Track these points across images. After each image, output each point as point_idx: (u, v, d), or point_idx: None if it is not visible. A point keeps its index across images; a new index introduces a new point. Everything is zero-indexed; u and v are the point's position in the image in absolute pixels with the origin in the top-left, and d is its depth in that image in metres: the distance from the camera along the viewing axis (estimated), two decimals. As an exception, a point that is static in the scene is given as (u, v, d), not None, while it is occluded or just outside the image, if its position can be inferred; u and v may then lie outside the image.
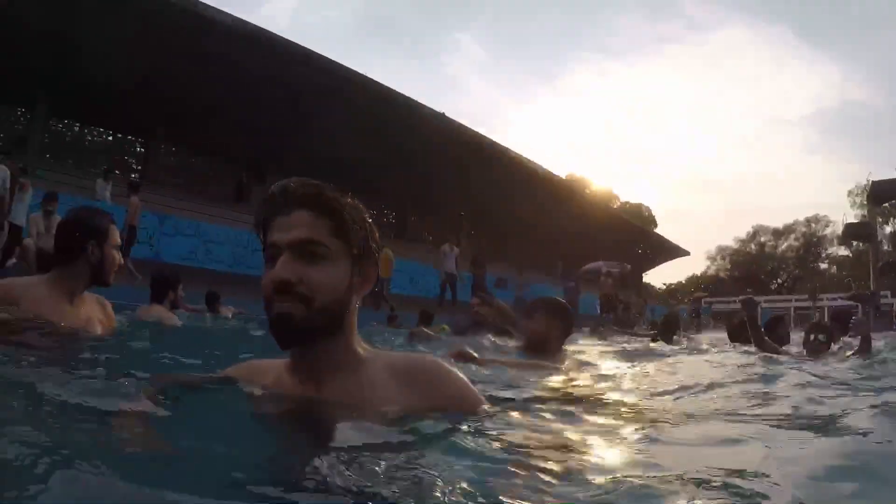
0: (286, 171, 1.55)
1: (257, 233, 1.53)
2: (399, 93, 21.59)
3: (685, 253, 43.18)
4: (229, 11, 17.17)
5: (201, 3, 16.70)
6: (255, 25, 17.84)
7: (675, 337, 9.09)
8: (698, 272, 68.56)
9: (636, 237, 38.62)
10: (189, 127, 20.13)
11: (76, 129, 21.56)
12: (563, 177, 39.84)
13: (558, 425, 1.74)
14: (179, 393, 1.62)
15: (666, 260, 43.46)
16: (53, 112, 19.45)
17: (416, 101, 22.17)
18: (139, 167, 22.30)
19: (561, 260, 26.73)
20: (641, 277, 41.35)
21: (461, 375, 1.62)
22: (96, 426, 1.31)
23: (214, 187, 22.67)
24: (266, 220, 1.49)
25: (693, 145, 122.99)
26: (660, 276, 67.88)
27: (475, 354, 3.15)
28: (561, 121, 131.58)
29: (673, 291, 61.72)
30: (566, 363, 3.76)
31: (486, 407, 1.63)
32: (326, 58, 19.17)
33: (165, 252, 15.27)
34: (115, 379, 1.60)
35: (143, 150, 22.23)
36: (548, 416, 1.86)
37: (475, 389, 1.65)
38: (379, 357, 1.58)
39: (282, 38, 18.41)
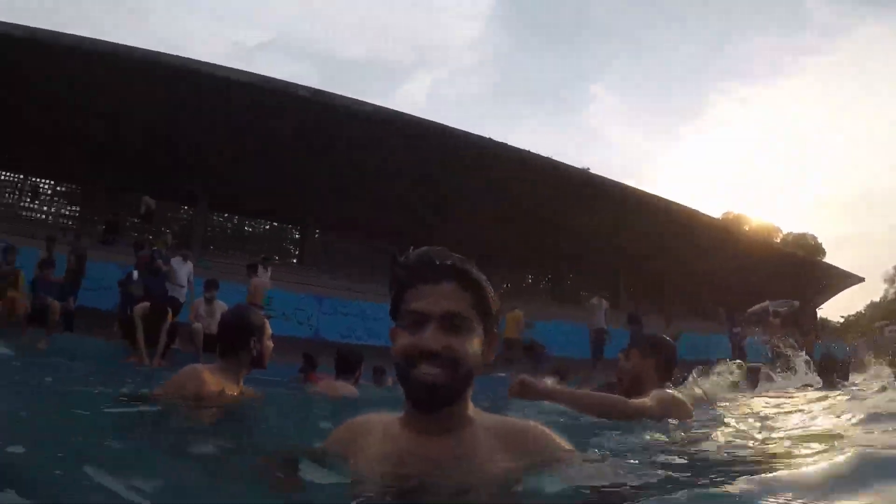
0: (437, 243, 1.64)
1: (390, 292, 1.61)
2: (540, 155, 21.77)
3: (859, 279, 39.61)
4: (368, 99, 18.23)
5: (341, 96, 17.89)
6: (391, 110, 18.89)
7: (835, 378, 8.29)
8: (877, 298, 62.53)
9: (803, 270, 36.23)
10: (338, 212, 21.08)
11: (235, 220, 23.44)
12: (719, 217, 38.05)
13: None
14: (300, 458, 1.72)
15: (839, 290, 40.27)
16: (213, 207, 21.22)
17: (559, 161, 22.28)
18: (297, 252, 23.64)
19: (722, 306, 25.50)
20: (815, 314, 38.48)
21: (559, 440, 1.64)
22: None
23: (366, 266, 23.51)
24: (408, 286, 1.57)
25: (851, 159, 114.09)
26: (836, 310, 62.69)
27: (542, 383, 3.07)
28: (709, 157, 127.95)
29: (852, 324, 56.68)
30: (655, 401, 3.40)
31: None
32: (461, 130, 19.75)
33: (324, 330, 15.95)
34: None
35: (298, 236, 23.53)
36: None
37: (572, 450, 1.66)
38: (483, 418, 1.63)
39: (418, 117, 19.28)
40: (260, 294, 13.56)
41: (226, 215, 22.87)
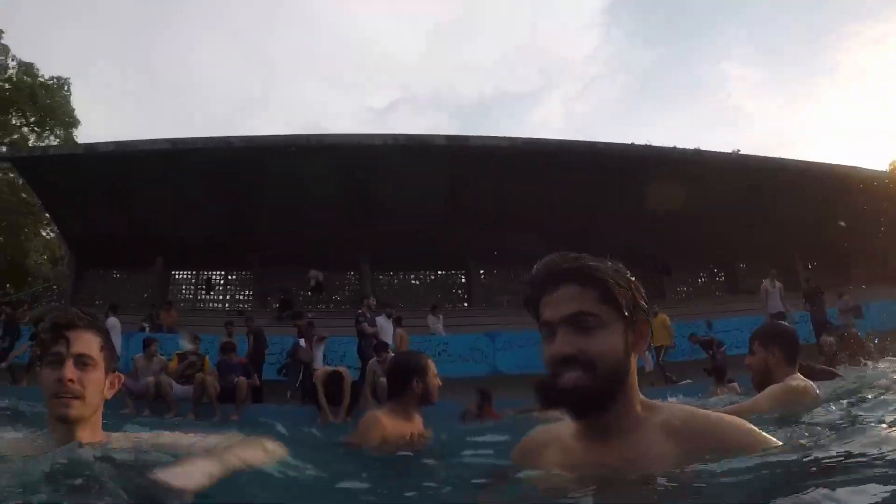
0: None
1: (529, 312, 1.64)
2: (714, 152, 21.55)
3: None
4: (502, 132, 18.62)
5: (476, 136, 18.75)
6: (528, 139, 19.59)
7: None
8: None
9: None
10: (499, 248, 21.11)
11: (401, 276, 24.35)
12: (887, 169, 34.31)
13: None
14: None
15: None
16: (375, 268, 22.41)
17: (737, 154, 21.99)
18: (465, 295, 24.14)
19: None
20: None
21: (748, 426, 1.55)
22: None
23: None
24: (536, 301, 1.60)
25: None
26: None
27: None
28: (858, 109, 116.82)
29: None
30: (764, 399, 3.30)
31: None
32: (615, 143, 20.16)
33: (502, 365, 16.19)
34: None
35: (464, 280, 24.11)
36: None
37: (767, 438, 1.55)
38: (665, 415, 1.58)
39: (556, 140, 19.54)
40: (405, 343, 13.85)
41: (390, 273, 23.82)
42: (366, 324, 13.12)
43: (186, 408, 10.76)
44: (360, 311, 13.70)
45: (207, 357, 11.79)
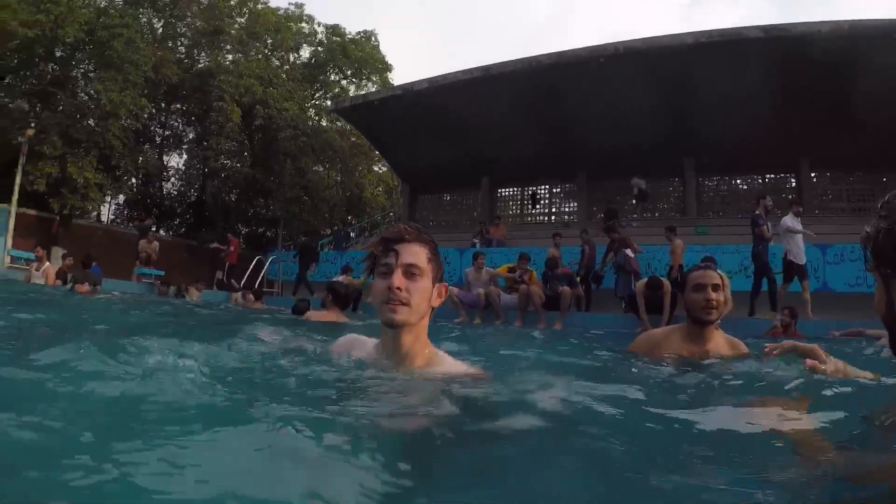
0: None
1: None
2: None
3: None
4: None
5: (797, 23, 16.87)
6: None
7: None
8: None
9: None
10: (835, 149, 19.11)
11: (727, 182, 22.76)
12: None
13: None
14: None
15: None
16: (701, 172, 21.46)
17: None
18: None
19: None
20: None
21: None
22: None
23: (871, 200, 20.93)
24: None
25: None
26: None
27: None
28: None
29: None
30: None
31: None
32: None
33: (832, 281, 14.82)
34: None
35: (795, 184, 22.00)
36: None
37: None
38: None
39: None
40: (678, 255, 13.16)
41: (715, 178, 22.49)
42: (765, 227, 12.00)
43: (513, 315, 11.51)
44: (756, 212, 12.54)
45: (534, 271, 12.31)
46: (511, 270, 12.55)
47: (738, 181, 22.70)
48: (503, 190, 25.70)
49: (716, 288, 3.50)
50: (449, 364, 2.25)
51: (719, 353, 3.48)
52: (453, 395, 1.85)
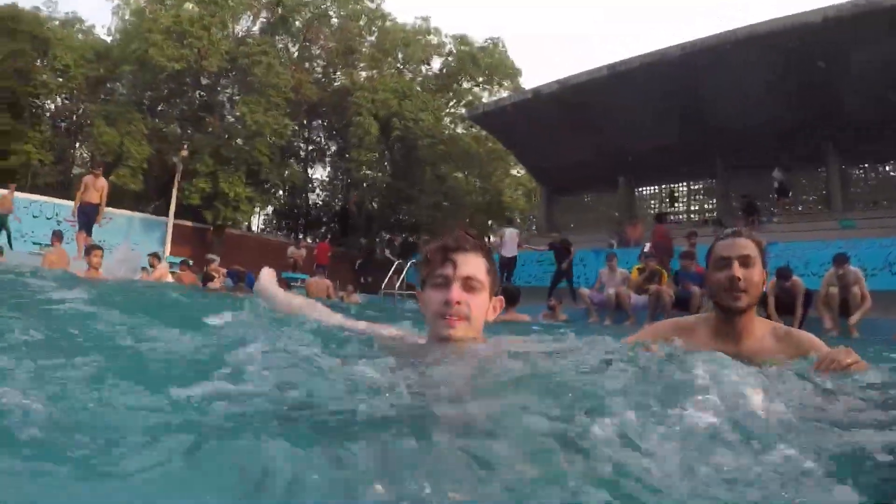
0: None
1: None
2: None
3: None
4: None
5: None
6: None
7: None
8: None
9: None
10: None
11: (878, 169, 20.26)
12: None
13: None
14: None
15: None
16: (846, 160, 19.56)
17: None
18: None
19: None
20: None
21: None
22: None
23: None
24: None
25: None
26: None
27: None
28: None
29: None
30: None
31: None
32: None
33: None
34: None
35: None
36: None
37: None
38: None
39: None
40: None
41: (863, 166, 20.27)
42: None
43: (643, 316, 11.04)
44: None
45: (664, 271, 11.94)
46: (640, 272, 12.22)
47: (890, 168, 20.22)
48: (641, 189, 24.99)
49: (745, 261, 2.48)
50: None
51: (761, 352, 2.49)
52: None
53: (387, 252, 25.14)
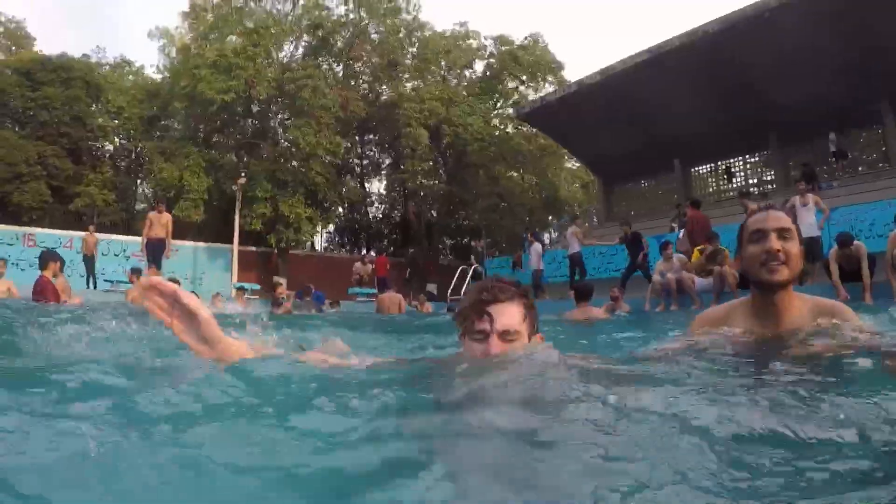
0: None
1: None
2: None
3: None
4: None
5: None
6: None
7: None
8: None
9: None
10: None
11: None
12: None
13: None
14: None
15: None
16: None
17: None
18: None
19: None
20: None
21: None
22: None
23: None
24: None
25: None
26: None
27: None
28: None
29: None
30: None
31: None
32: None
33: None
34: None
35: None
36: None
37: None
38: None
39: None
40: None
41: None
42: None
43: (709, 298, 10.72)
44: None
45: (727, 250, 11.64)
46: (701, 253, 12.02)
47: None
48: (697, 168, 24.62)
49: (783, 234, 2.33)
50: None
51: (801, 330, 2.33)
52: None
53: (472, 259, 25.28)
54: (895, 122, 18.47)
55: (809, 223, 11.34)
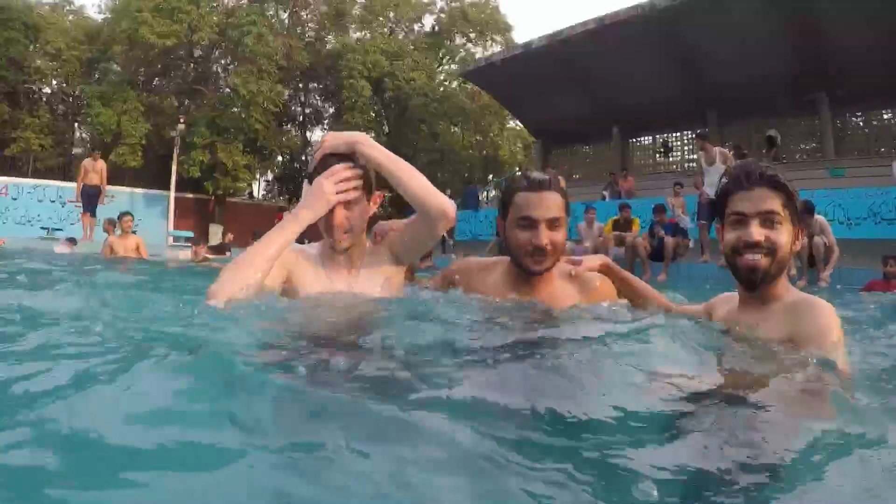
0: None
1: (718, 198, 2.08)
2: None
3: None
4: None
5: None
6: None
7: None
8: None
9: None
10: None
11: (876, 115, 19.74)
12: None
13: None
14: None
15: None
16: (838, 107, 19.11)
17: None
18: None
19: None
20: None
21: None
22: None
23: None
24: (731, 192, 2.00)
25: None
26: None
27: None
28: None
29: None
30: None
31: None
32: None
33: None
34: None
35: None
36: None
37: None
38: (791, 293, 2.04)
39: None
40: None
41: (857, 114, 19.90)
42: None
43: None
44: None
45: (637, 219, 12.27)
46: (615, 223, 12.47)
47: (887, 113, 19.53)
48: (635, 139, 24.92)
49: (553, 224, 2.33)
50: None
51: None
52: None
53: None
54: (830, 113, 19.07)
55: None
